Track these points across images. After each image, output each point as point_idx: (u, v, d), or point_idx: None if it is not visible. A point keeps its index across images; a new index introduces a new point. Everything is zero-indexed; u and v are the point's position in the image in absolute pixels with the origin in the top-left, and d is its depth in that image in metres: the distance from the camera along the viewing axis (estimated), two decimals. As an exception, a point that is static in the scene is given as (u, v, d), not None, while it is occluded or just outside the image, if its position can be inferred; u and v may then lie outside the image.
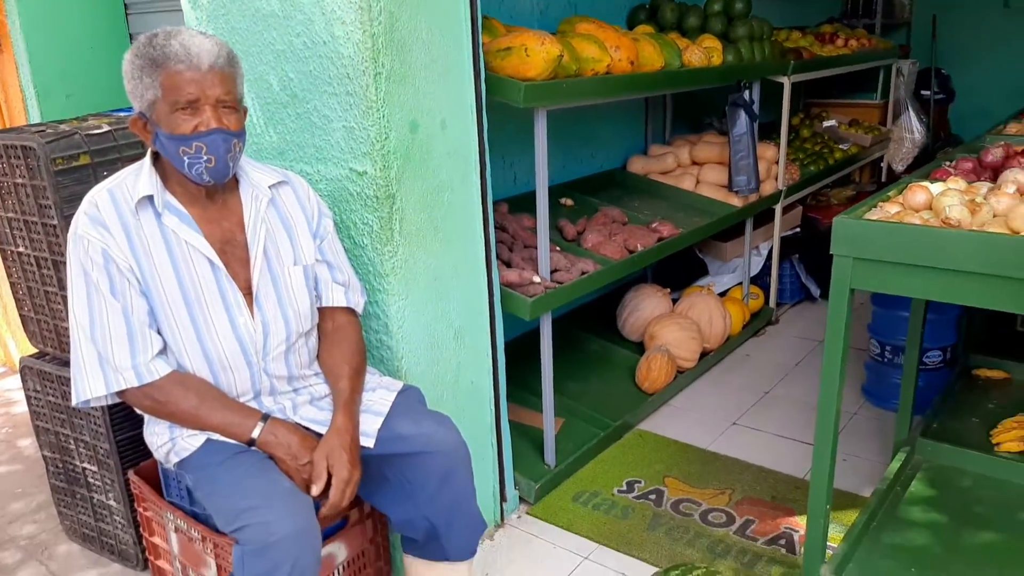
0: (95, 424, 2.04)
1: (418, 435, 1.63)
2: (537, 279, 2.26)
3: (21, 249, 2.06)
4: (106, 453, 2.07)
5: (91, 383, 1.49)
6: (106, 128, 2.00)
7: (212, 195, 1.58)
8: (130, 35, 3.01)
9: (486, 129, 2.03)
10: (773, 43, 3.38)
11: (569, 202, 3.12)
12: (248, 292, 1.59)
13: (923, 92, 5.64)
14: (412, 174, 1.85)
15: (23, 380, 2.22)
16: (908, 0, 6.10)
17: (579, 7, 3.20)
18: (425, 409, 1.73)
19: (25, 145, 1.88)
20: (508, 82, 2.08)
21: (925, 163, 5.57)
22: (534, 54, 2.06)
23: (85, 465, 2.16)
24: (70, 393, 2.12)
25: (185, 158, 1.46)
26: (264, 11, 1.85)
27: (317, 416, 1.65)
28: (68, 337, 2.09)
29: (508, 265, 2.41)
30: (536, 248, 2.53)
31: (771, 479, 2.48)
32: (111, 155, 1.99)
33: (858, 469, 2.53)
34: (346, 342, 1.73)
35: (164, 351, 1.54)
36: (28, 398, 2.23)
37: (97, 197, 1.52)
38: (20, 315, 2.19)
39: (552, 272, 2.40)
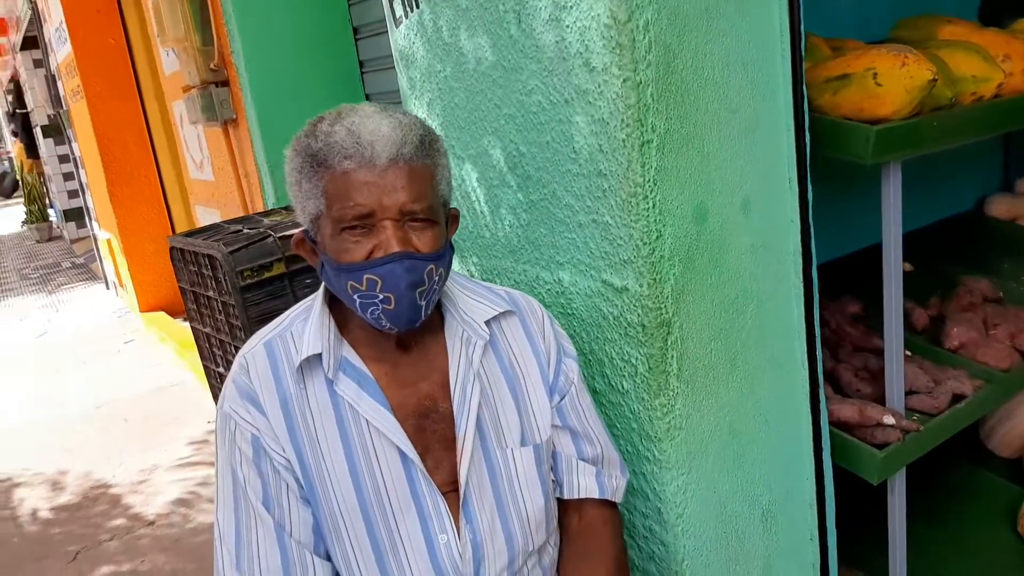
0: None
1: None
2: (889, 419, 1.48)
3: (222, 370, 1.74)
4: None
5: (235, 624, 1.03)
6: (305, 226, 1.60)
7: (405, 342, 1.07)
8: (367, 97, 2.71)
9: (811, 204, 1.32)
10: None
11: (908, 267, 2.25)
12: (453, 489, 1.05)
13: None
14: (697, 286, 1.21)
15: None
16: None
17: (913, 2, 2.32)
18: None
19: (209, 255, 1.53)
20: (846, 128, 1.35)
21: None
22: (890, 81, 1.31)
23: None
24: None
25: (356, 297, 0.97)
26: (488, 61, 1.33)
27: None
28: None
29: (833, 385, 1.66)
30: (872, 353, 1.76)
31: None
32: (310, 259, 1.59)
33: None
34: (599, 556, 1.12)
35: (332, 582, 1.05)
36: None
37: (250, 356, 1.06)
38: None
39: (906, 394, 1.60)
